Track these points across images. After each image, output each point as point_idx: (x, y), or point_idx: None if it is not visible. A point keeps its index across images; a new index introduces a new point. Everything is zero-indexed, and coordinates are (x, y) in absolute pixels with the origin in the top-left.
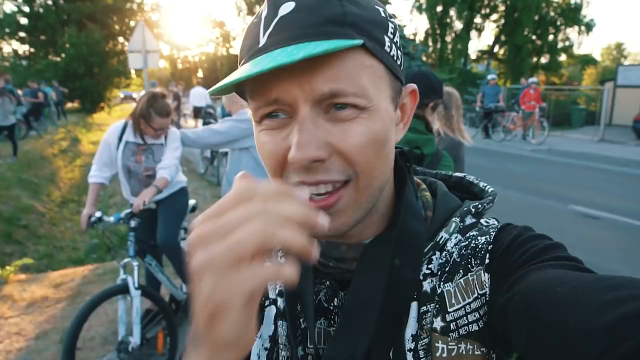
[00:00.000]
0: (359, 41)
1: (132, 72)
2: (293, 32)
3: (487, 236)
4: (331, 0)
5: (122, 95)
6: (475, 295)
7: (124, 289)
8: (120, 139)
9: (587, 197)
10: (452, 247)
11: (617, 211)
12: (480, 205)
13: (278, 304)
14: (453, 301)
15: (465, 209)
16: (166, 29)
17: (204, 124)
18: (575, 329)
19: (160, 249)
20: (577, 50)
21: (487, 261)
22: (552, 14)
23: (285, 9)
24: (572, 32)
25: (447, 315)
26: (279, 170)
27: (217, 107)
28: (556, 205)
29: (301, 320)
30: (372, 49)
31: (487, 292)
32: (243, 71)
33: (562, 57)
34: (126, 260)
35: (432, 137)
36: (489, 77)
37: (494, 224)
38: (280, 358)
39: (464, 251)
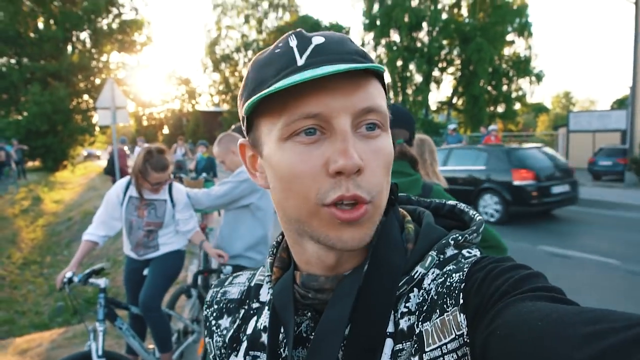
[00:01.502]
0: (384, 68)
1: (97, 129)
2: (331, 56)
3: (461, 273)
4: (348, 40)
5: (85, 153)
6: (453, 336)
7: (86, 357)
8: (125, 193)
9: (555, 237)
10: (429, 284)
11: (585, 249)
12: (460, 237)
13: (254, 337)
14: (430, 341)
15: (444, 241)
16: (132, 87)
17: (175, 178)
18: None
19: (141, 310)
20: (529, 99)
21: (461, 301)
22: (504, 66)
23: (318, 40)
24: (524, 82)
25: (424, 354)
26: (315, 189)
27: (188, 162)
28: (526, 246)
29: (280, 350)
30: (382, 78)
31: (465, 333)
32: (290, 80)
33: (517, 106)
34: (95, 324)
35: (417, 177)
36: (450, 126)
37: (471, 257)
38: None
39: (440, 289)
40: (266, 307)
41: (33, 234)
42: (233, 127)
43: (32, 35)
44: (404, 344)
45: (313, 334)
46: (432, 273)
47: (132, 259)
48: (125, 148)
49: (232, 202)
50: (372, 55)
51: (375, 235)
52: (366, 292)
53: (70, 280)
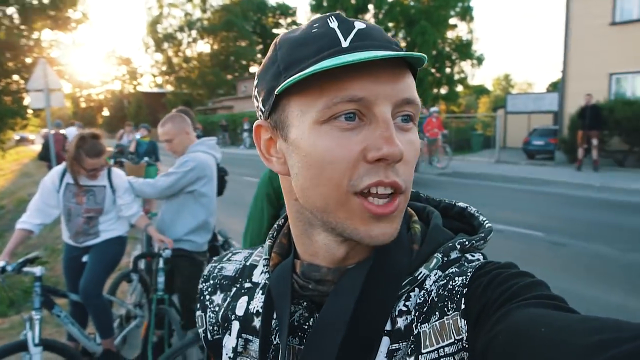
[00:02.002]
0: (424, 57)
1: (29, 111)
2: (376, 42)
3: (464, 277)
4: (375, 28)
5: (17, 137)
6: (452, 340)
7: (22, 346)
8: (61, 181)
9: (490, 212)
10: (430, 285)
11: (514, 223)
12: (467, 242)
13: (247, 320)
14: (427, 343)
15: (450, 244)
16: (67, 67)
17: (115, 163)
18: None
19: (81, 297)
20: (471, 82)
21: (462, 306)
22: (447, 49)
23: (360, 25)
24: (466, 65)
25: (420, 356)
26: (349, 175)
27: (128, 144)
28: None
29: (272, 337)
30: (415, 72)
31: (464, 338)
32: (343, 59)
33: (459, 88)
34: (31, 313)
35: None
36: None
37: (475, 262)
38: None
39: (442, 291)
40: (260, 291)
41: None
42: (177, 109)
43: None
44: (400, 343)
45: (307, 324)
46: (435, 274)
47: (71, 247)
48: (63, 131)
49: (178, 191)
50: None
51: None
52: (368, 289)
53: (2, 269)
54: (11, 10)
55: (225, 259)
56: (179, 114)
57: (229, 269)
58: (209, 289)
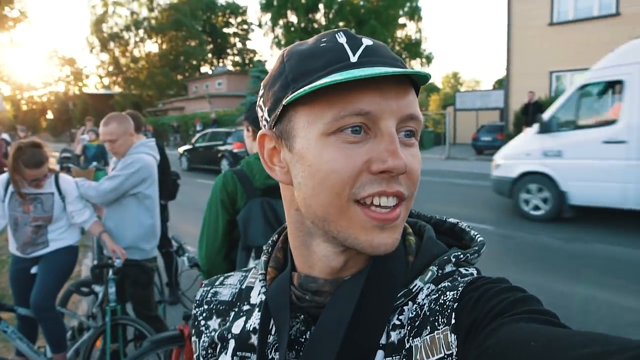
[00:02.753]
0: (430, 77)
1: None
2: (383, 58)
3: (455, 292)
4: (379, 45)
5: None
6: (442, 355)
7: None
8: (6, 190)
9: (439, 207)
10: (423, 299)
11: (465, 218)
12: (462, 256)
13: (242, 338)
14: (418, 357)
15: (445, 257)
16: (6, 68)
17: (61, 169)
18: None
19: (33, 311)
20: None
21: (453, 321)
22: (397, 48)
23: (367, 41)
24: (415, 64)
25: None
26: (350, 184)
27: (75, 150)
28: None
29: (268, 351)
30: (417, 90)
31: (454, 353)
32: (353, 74)
33: None
34: None
35: None
36: None
37: (467, 276)
38: None
39: (433, 305)
40: (257, 309)
41: None
42: (126, 112)
43: None
44: (394, 357)
45: (303, 337)
46: (427, 288)
47: (18, 258)
48: (5, 136)
49: (122, 194)
50: (270, 36)
51: None
52: (364, 300)
53: None
54: None
55: (217, 283)
56: (122, 114)
57: (225, 293)
58: (204, 314)
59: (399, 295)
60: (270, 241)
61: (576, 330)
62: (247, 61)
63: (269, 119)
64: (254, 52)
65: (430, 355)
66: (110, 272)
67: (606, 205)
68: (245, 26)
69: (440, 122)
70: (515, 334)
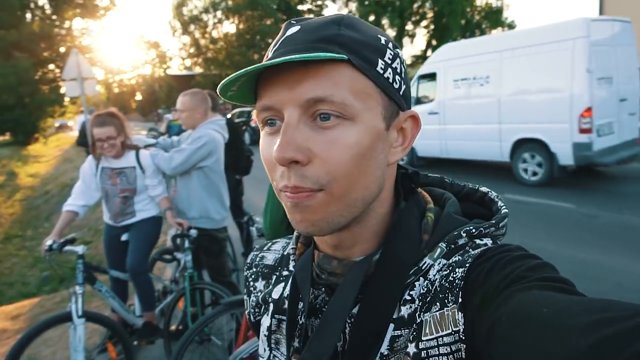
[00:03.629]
0: (342, 56)
1: (66, 99)
2: (291, 47)
3: (463, 269)
4: (330, 25)
5: (57, 124)
6: (449, 331)
7: (66, 317)
8: (97, 165)
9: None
10: (434, 275)
11: (545, 196)
12: (474, 230)
13: (279, 302)
14: (427, 331)
15: (455, 233)
16: (99, 53)
17: (146, 146)
18: (562, 349)
19: (130, 275)
20: None
21: (460, 299)
22: (477, 17)
23: (292, 30)
24: (497, 33)
25: (420, 343)
26: (272, 175)
27: (159, 129)
28: None
29: (299, 317)
30: (359, 66)
31: (461, 330)
32: (229, 78)
33: None
34: (75, 287)
35: None
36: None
37: (478, 247)
38: (280, 344)
39: (444, 282)
40: (290, 279)
41: (12, 209)
42: (205, 91)
43: None
44: (402, 330)
45: (327, 306)
46: (439, 263)
47: (110, 226)
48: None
49: (190, 167)
50: (344, 11)
51: (391, 227)
52: (376, 280)
53: (50, 248)
54: (42, 1)
55: (265, 248)
56: (199, 91)
57: (269, 258)
58: (253, 276)
59: (410, 273)
60: None
61: (590, 297)
62: None
63: None
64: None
65: (440, 330)
66: (187, 241)
67: (431, 155)
68: (319, 2)
69: None
70: (528, 301)
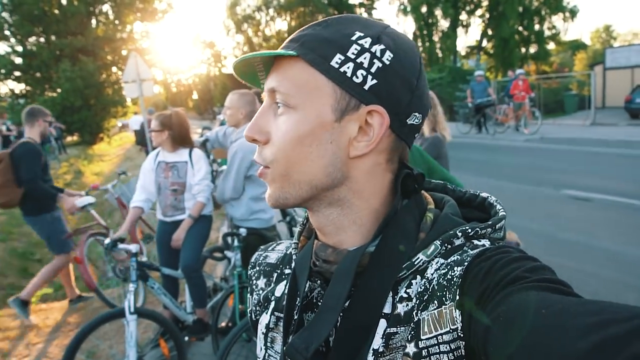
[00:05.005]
0: (290, 52)
1: (128, 100)
2: (285, 43)
3: (461, 268)
4: (313, 26)
5: (120, 124)
6: (448, 329)
7: (121, 313)
8: (155, 161)
9: (580, 180)
10: (432, 274)
11: (608, 191)
12: (471, 230)
13: (280, 299)
14: (426, 329)
15: (451, 232)
16: (157, 55)
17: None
18: (559, 351)
19: (183, 272)
20: (564, 37)
21: (457, 298)
22: (535, 3)
23: (300, 33)
24: (557, 19)
25: (419, 342)
26: None
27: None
28: (549, 191)
29: (295, 312)
30: (307, 61)
31: (459, 328)
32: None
33: (551, 45)
34: (129, 284)
35: None
36: (477, 73)
37: (477, 248)
38: (275, 342)
39: (442, 280)
40: (291, 274)
41: None
42: (253, 91)
43: (56, 12)
44: (399, 328)
45: (321, 301)
46: (436, 262)
47: (163, 223)
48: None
49: (243, 183)
50: (396, 3)
51: (383, 221)
52: (369, 273)
53: (107, 245)
54: (106, 8)
55: (270, 248)
56: (249, 93)
57: (273, 257)
58: (255, 275)
59: (402, 267)
60: (306, 213)
61: (588, 299)
62: None
63: None
64: (380, 21)
65: (439, 329)
66: (236, 240)
67: None
68: None
69: (586, 83)
70: (525, 302)
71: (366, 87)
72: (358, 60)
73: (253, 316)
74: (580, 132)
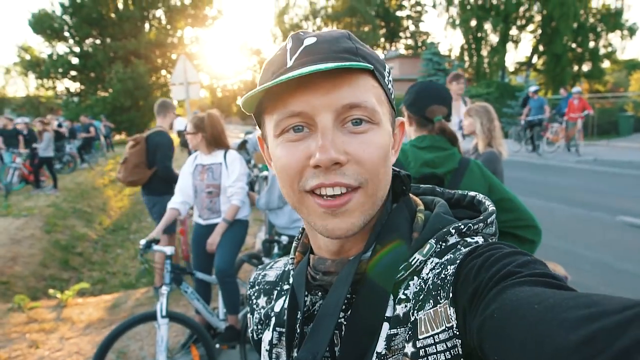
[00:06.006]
0: (370, 66)
1: (175, 102)
2: (317, 56)
3: (454, 266)
4: (345, 39)
5: None
6: (443, 327)
7: (153, 316)
8: (193, 164)
9: (637, 206)
10: (427, 274)
11: None
12: (464, 227)
13: (280, 315)
14: (423, 329)
15: (444, 230)
16: (205, 60)
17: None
18: (551, 344)
19: (217, 276)
20: (620, 56)
21: (451, 295)
22: (591, 20)
23: (309, 41)
24: (614, 37)
25: (417, 342)
26: (297, 178)
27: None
28: (604, 216)
29: (297, 326)
30: (378, 76)
31: (454, 326)
32: (274, 82)
33: (606, 64)
34: (161, 287)
35: (454, 151)
36: (531, 89)
37: (469, 245)
38: (280, 358)
39: (436, 279)
40: (290, 289)
41: (120, 203)
42: None
43: (112, 15)
44: (399, 329)
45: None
46: (431, 262)
47: (198, 226)
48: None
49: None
50: (445, 16)
51: (378, 224)
52: (368, 278)
53: (143, 246)
54: (159, 13)
55: (268, 267)
56: None
57: (271, 275)
58: (255, 294)
59: (399, 269)
60: (301, 229)
61: (580, 292)
62: (419, 44)
63: (258, 125)
64: (427, 34)
65: (435, 328)
66: (276, 247)
67: None
68: (418, 8)
69: None
70: (519, 296)
71: (393, 102)
72: (390, 78)
73: (255, 335)
74: (637, 155)
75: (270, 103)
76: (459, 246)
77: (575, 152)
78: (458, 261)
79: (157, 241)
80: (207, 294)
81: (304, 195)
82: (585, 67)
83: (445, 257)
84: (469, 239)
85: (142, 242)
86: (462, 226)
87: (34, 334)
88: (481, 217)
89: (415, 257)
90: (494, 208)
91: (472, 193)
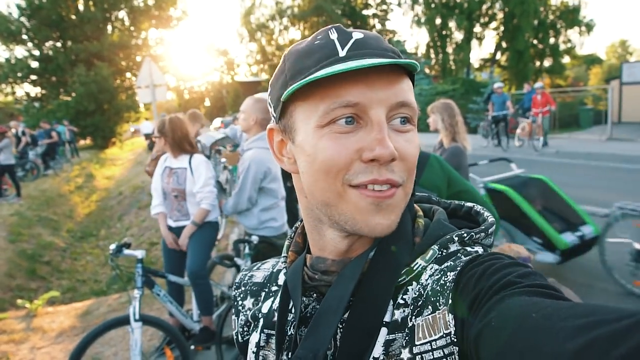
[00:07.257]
0: (415, 63)
1: (141, 105)
2: (371, 50)
3: (454, 273)
4: (384, 40)
5: (132, 129)
6: (441, 334)
7: (126, 320)
8: (162, 166)
9: (596, 196)
10: (426, 280)
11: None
12: (466, 235)
13: (269, 316)
14: (420, 335)
15: (448, 237)
16: (171, 62)
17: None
18: (548, 353)
19: (190, 278)
20: (579, 51)
21: (450, 302)
22: (551, 17)
23: (357, 35)
24: (573, 33)
25: (414, 347)
26: (344, 172)
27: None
28: None
29: (288, 328)
30: (413, 76)
31: (452, 332)
32: (336, 68)
33: (566, 59)
34: (133, 291)
35: None
36: (495, 85)
37: (470, 254)
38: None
39: (435, 286)
40: (281, 290)
41: (88, 209)
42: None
43: (73, 17)
44: (397, 334)
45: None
46: (431, 268)
47: (169, 227)
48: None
49: (256, 195)
50: (410, 14)
51: None
52: (369, 279)
53: (112, 251)
54: (122, 14)
55: (255, 268)
56: (264, 100)
57: (259, 276)
58: (241, 295)
59: (401, 273)
60: (293, 227)
61: (577, 302)
62: None
63: (274, 115)
64: (393, 32)
65: (433, 334)
66: (247, 247)
67: None
68: (384, 7)
69: (601, 98)
70: (517, 306)
71: None
72: None
73: (240, 338)
74: (596, 147)
75: (315, 92)
76: (459, 254)
77: (542, 146)
78: (458, 268)
79: (128, 245)
80: (180, 296)
81: (347, 189)
82: (547, 63)
83: (445, 264)
84: (469, 248)
85: (112, 246)
86: (465, 235)
87: (3, 345)
88: (483, 227)
89: (417, 263)
90: (494, 219)
91: (469, 204)
